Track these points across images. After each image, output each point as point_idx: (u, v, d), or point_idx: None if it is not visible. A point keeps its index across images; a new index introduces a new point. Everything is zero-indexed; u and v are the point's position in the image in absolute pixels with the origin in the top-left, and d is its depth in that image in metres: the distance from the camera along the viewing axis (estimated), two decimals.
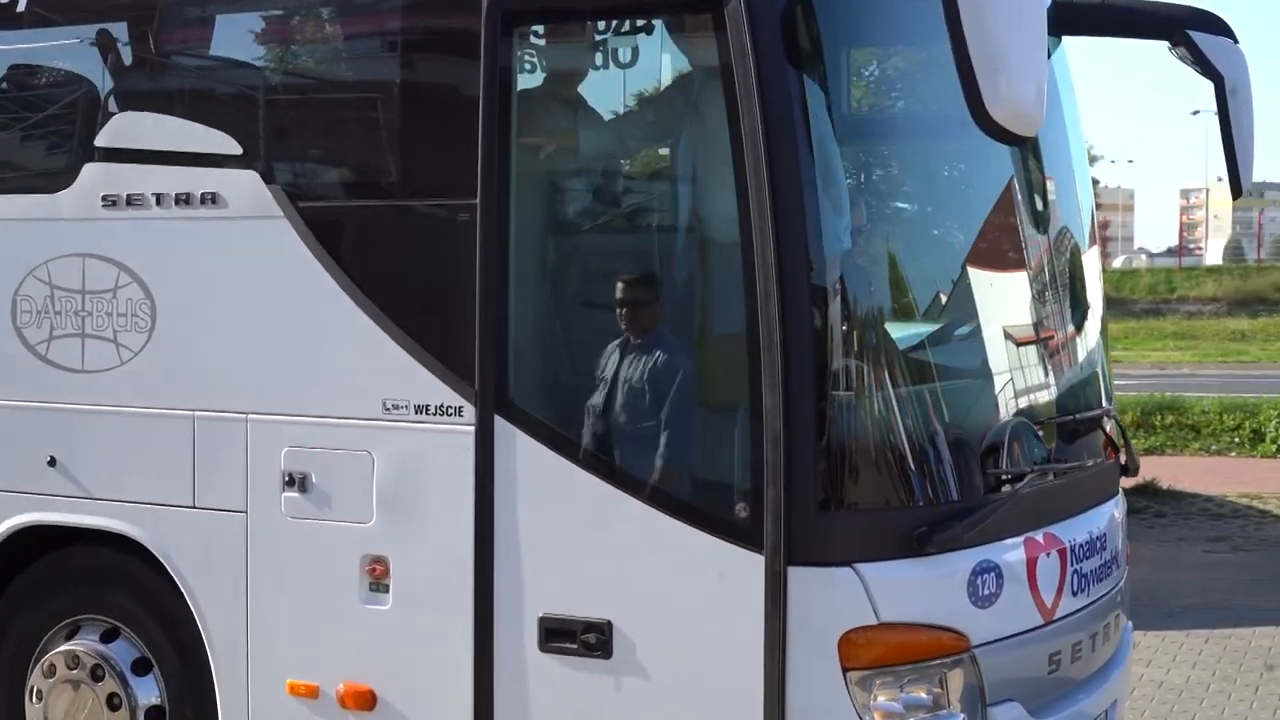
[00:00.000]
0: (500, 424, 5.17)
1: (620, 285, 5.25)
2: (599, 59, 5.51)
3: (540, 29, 5.46)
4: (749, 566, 4.83)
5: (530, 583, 5.17)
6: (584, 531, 5.12)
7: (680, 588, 4.99)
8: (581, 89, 5.54)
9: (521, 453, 5.16)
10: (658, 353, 5.15)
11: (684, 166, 5.45)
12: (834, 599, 4.78)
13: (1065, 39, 6.23)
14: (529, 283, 5.31)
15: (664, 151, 5.72)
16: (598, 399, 5.19)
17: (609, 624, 5.05)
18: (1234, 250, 62.22)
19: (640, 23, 5.31)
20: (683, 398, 5.12)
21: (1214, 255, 62.73)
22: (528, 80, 5.46)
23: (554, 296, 5.45)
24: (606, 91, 5.57)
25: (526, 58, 5.44)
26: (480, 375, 5.18)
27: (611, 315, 5.25)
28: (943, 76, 4.75)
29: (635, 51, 5.43)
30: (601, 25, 5.39)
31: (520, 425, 5.16)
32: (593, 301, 5.42)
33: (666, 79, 5.60)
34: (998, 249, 5.80)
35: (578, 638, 5.09)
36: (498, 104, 5.16)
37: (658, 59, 5.51)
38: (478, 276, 5.16)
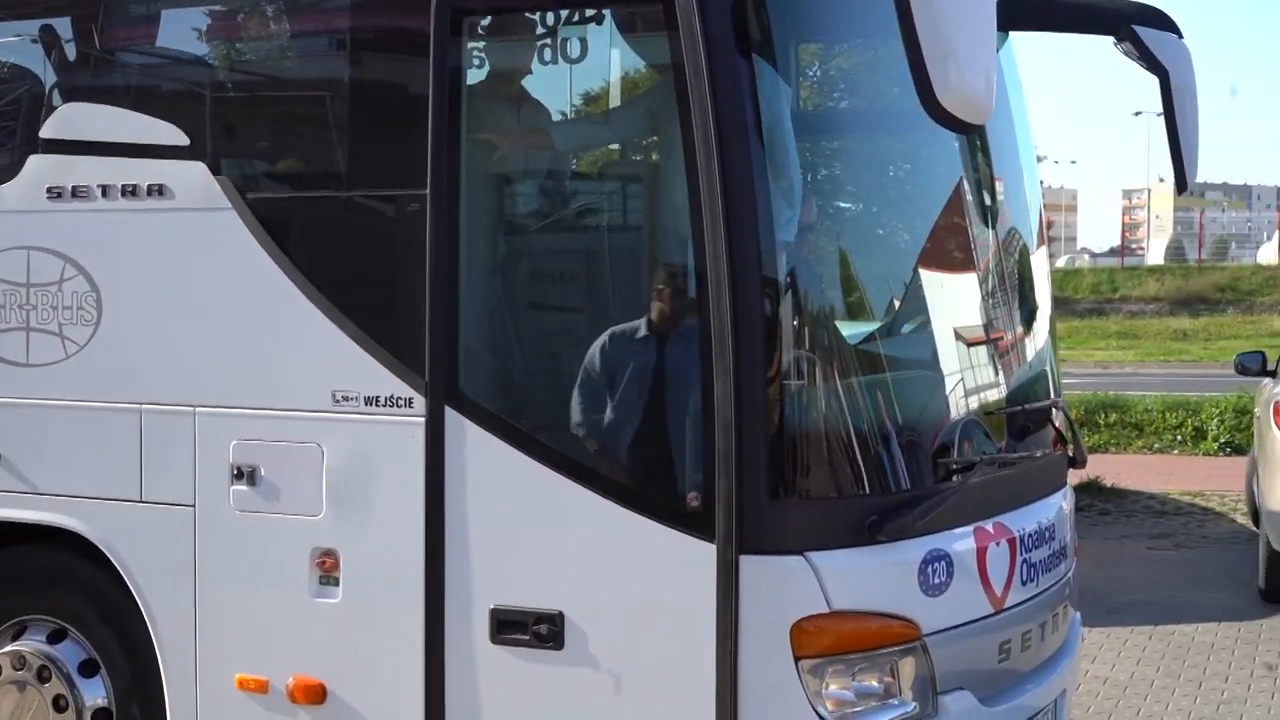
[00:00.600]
0: (450, 415, 5.15)
1: (572, 276, 5.24)
2: (548, 53, 5.49)
3: (489, 22, 5.45)
4: (700, 556, 4.82)
5: (481, 574, 5.14)
6: (535, 522, 5.11)
7: (632, 578, 4.98)
8: (531, 82, 5.53)
9: (472, 443, 5.14)
10: (608, 343, 5.14)
11: (635, 158, 5.43)
12: (786, 587, 4.79)
13: (1011, 35, 6.25)
14: (479, 274, 5.29)
15: (615, 145, 5.72)
16: (548, 389, 5.18)
17: (561, 615, 5.04)
18: (1175, 250, 62.71)
19: (590, 13, 5.30)
20: (633, 388, 5.11)
21: (1156, 255, 63.22)
22: (477, 74, 5.45)
23: (504, 288, 5.43)
24: (556, 85, 5.56)
25: (476, 51, 5.42)
26: (430, 366, 5.16)
27: (561, 306, 5.24)
28: (894, 70, 4.77)
29: (585, 44, 5.42)
30: (551, 18, 5.38)
31: (470, 416, 5.14)
32: (543, 293, 5.41)
33: (616, 72, 5.60)
34: (947, 243, 5.82)
35: (529, 629, 5.07)
36: (447, 97, 5.14)
37: (607, 52, 5.50)
38: (427, 268, 5.14)
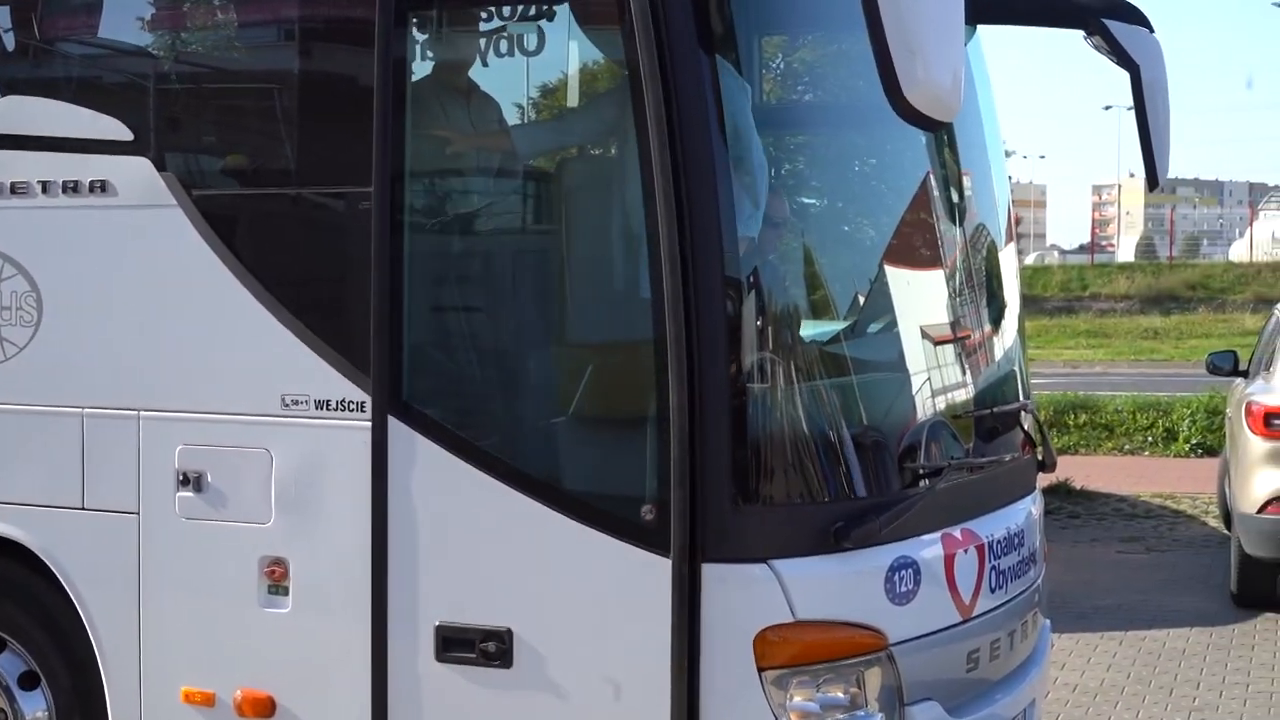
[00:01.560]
0: (394, 424, 5.03)
1: (523, 280, 5.11)
2: (502, 46, 5.37)
3: (436, 14, 5.32)
4: (655, 569, 4.71)
5: (426, 590, 5.02)
6: (483, 536, 4.99)
7: (584, 593, 4.87)
8: (483, 77, 5.40)
9: (416, 454, 5.02)
10: (559, 350, 5.03)
11: (590, 156, 5.33)
12: (749, 596, 4.69)
13: (979, 29, 6.16)
14: (425, 277, 5.18)
15: (570, 142, 5.59)
16: (496, 398, 5.08)
17: (509, 632, 4.92)
18: (1146, 247, 63.10)
19: (543, 7, 5.17)
20: (584, 397, 5.00)
21: (1126, 252, 63.55)
22: (424, 68, 5.32)
23: (451, 292, 5.31)
24: (510, 80, 5.44)
25: (423, 45, 5.29)
26: (375, 374, 5.04)
27: (510, 311, 5.14)
28: (859, 65, 4.67)
29: (540, 38, 5.29)
30: (505, 11, 5.25)
31: (415, 425, 5.02)
32: (492, 297, 5.30)
33: (571, 67, 5.49)
34: (914, 241, 5.73)
35: (476, 647, 4.95)
36: (392, 92, 5.02)
37: (563, 47, 5.41)
38: (372, 270, 5.02)
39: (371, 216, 5.01)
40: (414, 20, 5.13)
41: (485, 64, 5.35)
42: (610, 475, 5.05)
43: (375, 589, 5.05)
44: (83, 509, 5.45)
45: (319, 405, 5.13)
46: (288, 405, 5.17)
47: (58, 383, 5.50)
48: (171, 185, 5.32)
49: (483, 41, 5.31)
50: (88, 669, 5.48)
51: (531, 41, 5.29)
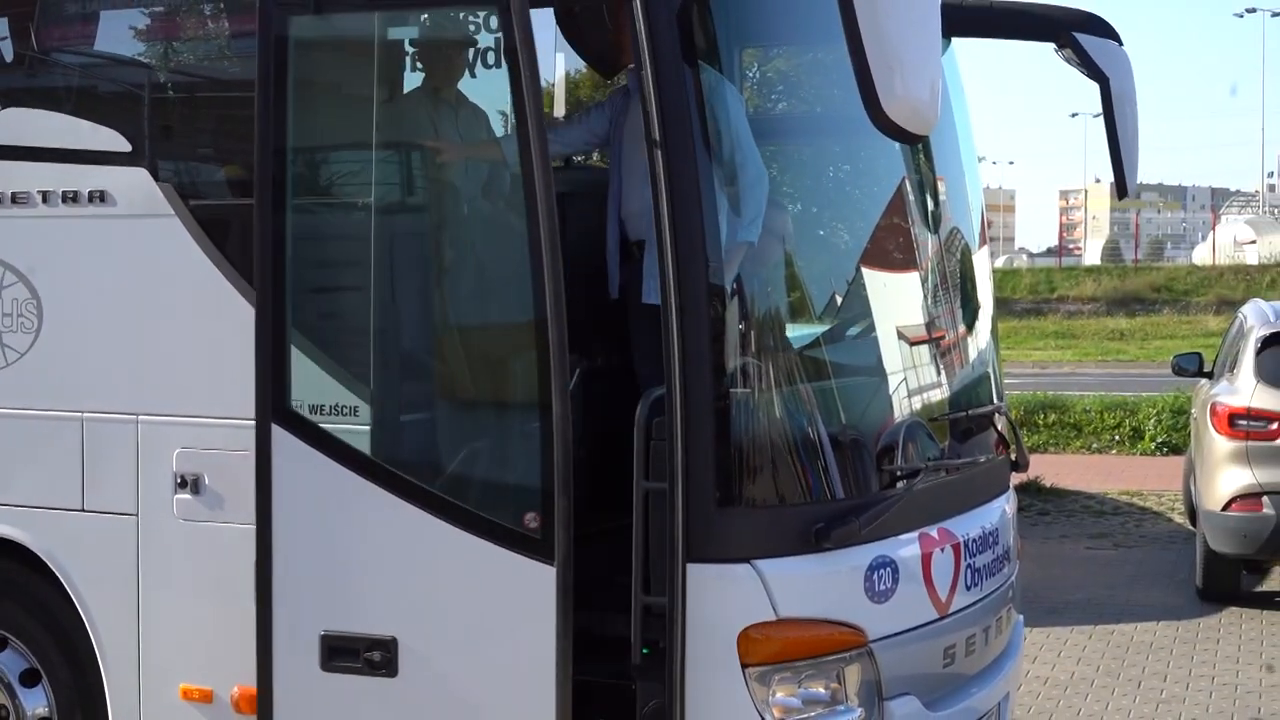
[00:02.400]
0: (278, 433, 5.11)
1: (413, 290, 5.20)
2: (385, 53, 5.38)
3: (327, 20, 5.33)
4: (539, 577, 4.79)
5: (312, 599, 5.10)
6: (367, 544, 5.06)
7: (469, 602, 4.95)
8: (380, 80, 5.40)
9: (299, 462, 5.10)
10: (444, 360, 5.11)
11: (470, 162, 5.41)
12: (733, 595, 4.78)
13: (953, 41, 6.28)
14: (309, 286, 5.26)
15: (466, 140, 5.56)
16: (381, 407, 5.14)
17: (394, 641, 4.98)
18: (1112, 250, 63.24)
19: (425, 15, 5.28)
20: (470, 407, 5.09)
21: (1093, 255, 63.65)
22: (307, 73, 5.33)
23: (336, 301, 5.37)
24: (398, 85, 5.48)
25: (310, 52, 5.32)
26: (258, 383, 5.13)
27: (393, 320, 5.21)
28: (837, 75, 4.76)
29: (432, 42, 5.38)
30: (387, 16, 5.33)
31: (299, 434, 5.10)
32: (377, 305, 5.32)
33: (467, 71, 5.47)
34: (890, 246, 5.83)
35: (361, 656, 5.01)
36: (274, 100, 5.11)
37: (462, 49, 5.40)
38: (254, 279, 5.12)
39: (254, 227, 5.10)
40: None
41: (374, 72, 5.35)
42: (495, 484, 5.13)
43: (260, 598, 5.12)
44: (83, 511, 5.52)
45: (312, 410, 5.19)
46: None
47: (58, 388, 5.57)
48: (169, 195, 5.40)
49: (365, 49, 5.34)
50: (88, 666, 5.56)
51: (412, 46, 5.36)
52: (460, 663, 4.96)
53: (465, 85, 5.41)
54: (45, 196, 5.58)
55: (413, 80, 5.47)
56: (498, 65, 5.02)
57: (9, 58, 5.87)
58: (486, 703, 4.94)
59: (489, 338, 5.21)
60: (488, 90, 5.33)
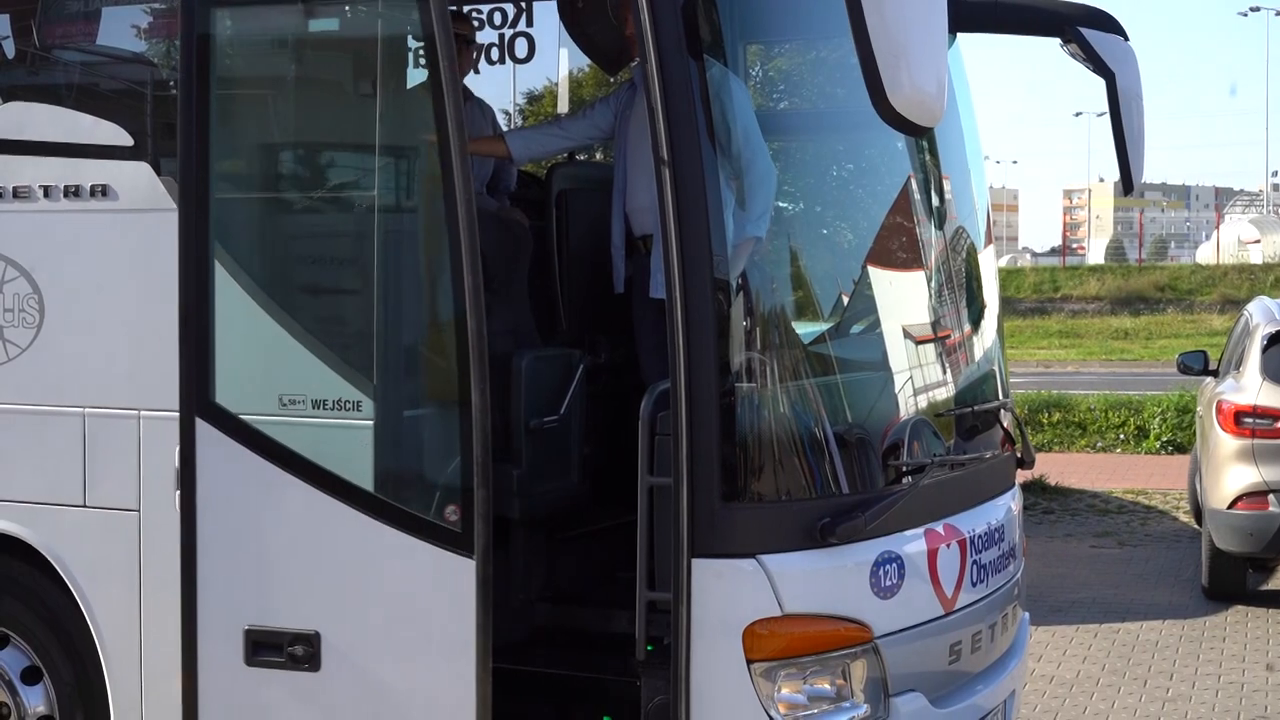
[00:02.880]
0: (202, 426, 5.13)
1: (325, 277, 5.25)
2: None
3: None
4: (459, 571, 4.81)
5: (236, 593, 5.12)
6: (290, 539, 5.08)
7: (390, 595, 4.97)
8: (300, 75, 5.46)
9: (223, 456, 5.11)
10: (366, 352, 5.11)
11: (396, 148, 5.37)
12: (738, 590, 4.76)
13: (958, 36, 6.26)
14: (232, 278, 5.24)
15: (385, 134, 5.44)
16: (302, 400, 5.15)
17: (317, 635, 5.01)
18: (1115, 250, 63.31)
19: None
20: (391, 399, 5.09)
21: (1096, 255, 63.73)
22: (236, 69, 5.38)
23: (259, 292, 5.33)
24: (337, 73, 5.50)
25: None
26: (181, 377, 5.15)
27: (317, 312, 5.25)
28: (842, 70, 4.74)
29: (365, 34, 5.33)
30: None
31: (222, 428, 5.12)
32: (302, 296, 5.36)
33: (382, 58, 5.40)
34: (896, 243, 5.82)
35: (285, 650, 5.04)
36: (195, 88, 5.15)
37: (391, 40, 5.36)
38: (179, 273, 5.14)
39: (178, 219, 5.14)
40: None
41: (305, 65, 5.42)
42: (416, 478, 5.14)
43: (185, 593, 5.15)
44: (84, 506, 5.50)
45: (315, 405, 5.19)
46: (285, 405, 5.24)
47: (59, 383, 5.55)
48: (171, 189, 5.37)
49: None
50: (89, 663, 5.55)
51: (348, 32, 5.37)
52: (382, 656, 4.99)
53: (385, 78, 5.36)
54: (47, 191, 5.56)
55: (332, 73, 5.48)
56: (418, 59, 5.03)
57: (10, 54, 5.85)
58: (409, 696, 4.96)
59: (410, 331, 5.22)
60: (410, 84, 5.30)
